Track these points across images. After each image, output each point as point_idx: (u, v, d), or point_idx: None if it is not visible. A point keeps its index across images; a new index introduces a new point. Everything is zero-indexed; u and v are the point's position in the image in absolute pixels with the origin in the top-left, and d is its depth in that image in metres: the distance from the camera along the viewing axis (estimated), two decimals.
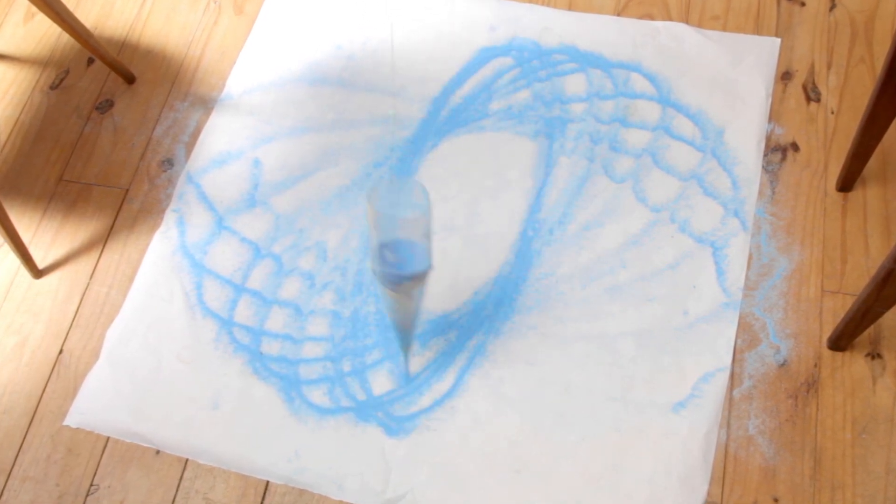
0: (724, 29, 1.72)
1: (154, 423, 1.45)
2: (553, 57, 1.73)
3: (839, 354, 1.40)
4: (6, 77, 1.86)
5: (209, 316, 1.54)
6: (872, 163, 1.52)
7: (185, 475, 1.41)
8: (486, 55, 1.75)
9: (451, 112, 1.70)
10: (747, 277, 1.47)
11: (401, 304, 1.26)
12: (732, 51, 1.68)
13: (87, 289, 1.61)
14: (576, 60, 1.72)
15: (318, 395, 1.45)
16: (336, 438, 1.41)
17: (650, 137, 1.62)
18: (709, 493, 1.31)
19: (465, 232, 1.57)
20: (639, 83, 1.68)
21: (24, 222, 1.69)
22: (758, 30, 1.71)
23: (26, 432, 1.48)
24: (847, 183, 1.51)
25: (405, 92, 1.73)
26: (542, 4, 1.80)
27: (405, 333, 1.36)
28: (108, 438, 1.46)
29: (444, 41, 1.78)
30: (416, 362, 1.46)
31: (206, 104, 1.78)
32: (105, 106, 1.81)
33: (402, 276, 1.18)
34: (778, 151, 1.58)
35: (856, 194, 1.52)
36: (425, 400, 1.43)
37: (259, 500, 1.38)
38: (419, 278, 1.20)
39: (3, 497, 1.42)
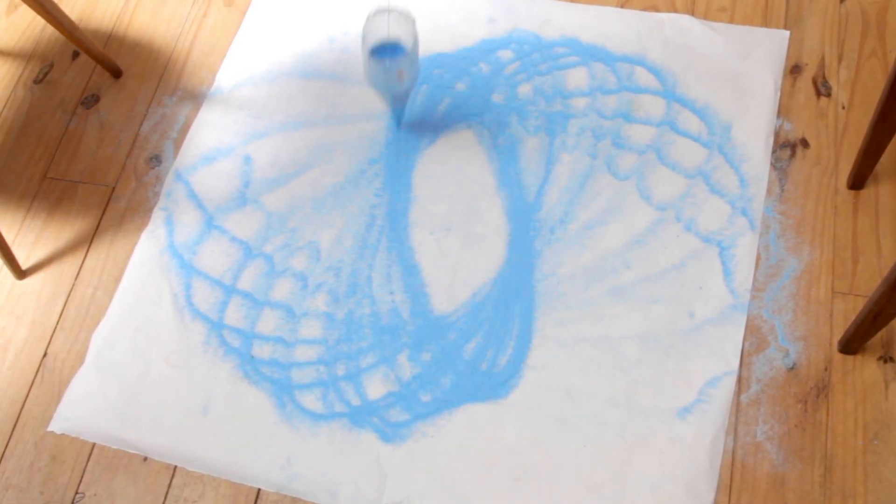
0: (732, 21, 1.72)
1: (141, 429, 1.45)
2: (554, 50, 1.73)
3: (850, 358, 1.39)
4: None
5: (198, 318, 1.54)
6: (885, 160, 1.52)
7: (173, 483, 1.41)
8: (485, 48, 1.75)
9: (448, 106, 1.70)
10: (755, 278, 1.47)
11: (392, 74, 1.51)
12: (740, 44, 1.68)
13: (72, 290, 1.60)
14: (578, 53, 1.72)
15: (311, 400, 1.45)
16: (329, 445, 1.41)
17: (655, 133, 1.62)
18: (715, 502, 1.31)
19: (462, 231, 1.57)
20: (643, 77, 1.68)
21: (7, 221, 1.68)
22: (766, 22, 1.71)
23: (9, 439, 1.47)
24: (858, 180, 1.51)
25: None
26: None
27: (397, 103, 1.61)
28: (93, 445, 1.46)
29: (441, 33, 1.78)
30: (412, 366, 1.46)
31: (196, 99, 1.78)
32: (91, 101, 1.81)
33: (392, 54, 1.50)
34: (787, 148, 1.58)
35: (867, 192, 1.52)
36: (422, 405, 1.42)
37: None
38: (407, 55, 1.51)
39: None
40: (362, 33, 1.54)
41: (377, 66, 1.54)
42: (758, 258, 1.48)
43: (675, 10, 1.75)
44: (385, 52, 1.53)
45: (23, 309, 1.59)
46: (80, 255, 1.64)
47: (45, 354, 1.54)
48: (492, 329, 1.47)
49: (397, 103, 1.63)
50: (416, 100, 1.71)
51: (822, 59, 1.66)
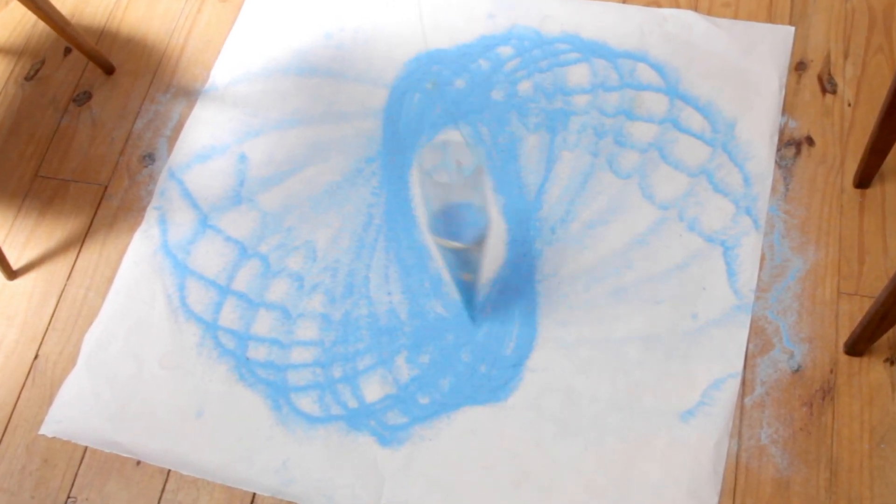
0: (736, 16, 1.72)
1: (134, 432, 1.45)
2: (555, 46, 1.73)
3: (856, 360, 1.39)
4: None
5: (192, 319, 1.54)
6: (891, 158, 1.52)
7: (167, 487, 1.41)
8: (484, 44, 1.75)
9: (447, 105, 1.69)
10: (760, 278, 1.47)
11: (461, 261, 1.27)
12: (744, 40, 1.68)
13: (63, 290, 1.60)
14: (579, 50, 1.72)
15: (307, 403, 1.45)
16: (326, 448, 1.40)
17: (657, 131, 1.61)
18: None
19: None
20: (645, 74, 1.67)
21: None
22: (771, 17, 1.71)
23: None
24: (865, 179, 1.51)
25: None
26: None
27: (469, 292, 1.38)
28: (86, 448, 1.46)
29: (440, 30, 1.78)
30: (410, 368, 1.45)
31: (190, 96, 1.78)
32: (83, 98, 1.81)
33: (460, 240, 1.21)
34: (792, 146, 1.58)
35: (874, 191, 1.52)
36: (420, 408, 1.42)
37: None
38: (479, 241, 1.22)
39: None
40: (420, 173, 1.19)
41: (451, 253, 1.25)
42: (762, 258, 1.48)
43: (678, 6, 1.75)
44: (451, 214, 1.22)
45: (14, 310, 1.59)
46: (71, 254, 1.64)
47: (36, 356, 1.54)
48: (491, 330, 1.47)
49: (471, 288, 1.39)
50: (414, 97, 1.71)
51: (828, 56, 1.66)
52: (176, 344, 1.52)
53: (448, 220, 1.20)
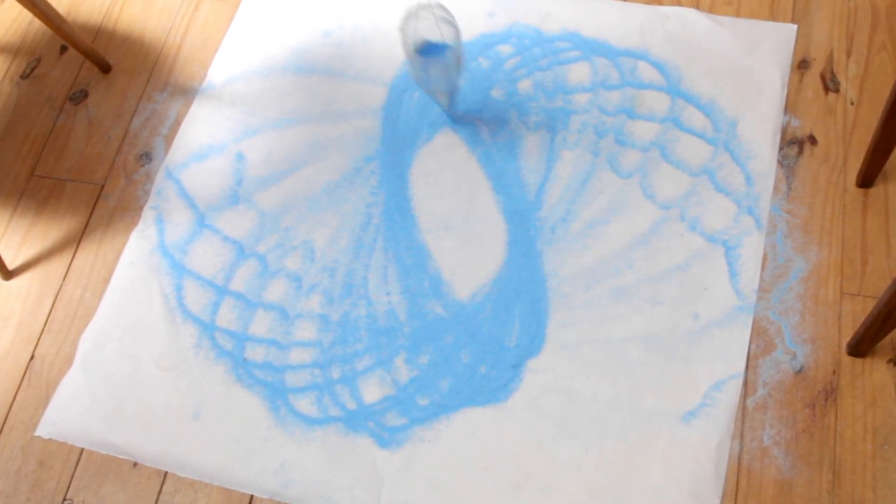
0: (738, 14, 1.72)
1: (131, 433, 1.45)
2: (555, 44, 1.73)
3: (859, 361, 1.39)
4: None
5: (189, 320, 1.54)
6: (895, 157, 1.52)
7: (164, 489, 1.41)
8: (484, 42, 1.75)
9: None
10: (762, 279, 1.47)
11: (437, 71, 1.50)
12: (746, 38, 1.68)
13: (59, 291, 1.60)
14: (579, 48, 1.72)
15: (305, 404, 1.45)
16: (325, 450, 1.40)
17: (658, 130, 1.61)
18: None
19: (461, 230, 1.57)
20: (646, 72, 1.67)
21: None
22: (773, 15, 1.71)
23: None
24: (868, 178, 1.51)
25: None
26: None
27: (446, 97, 1.58)
28: (82, 450, 1.46)
29: None
30: (409, 369, 1.45)
31: (187, 94, 1.78)
32: (79, 97, 1.81)
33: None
34: (794, 145, 1.58)
35: (877, 190, 1.52)
36: (419, 409, 1.42)
37: None
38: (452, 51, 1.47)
39: None
40: (401, 34, 1.50)
41: (427, 65, 1.52)
42: (764, 258, 1.48)
43: (680, 4, 1.75)
44: (430, 50, 1.51)
45: (9, 310, 1.59)
46: (68, 255, 1.64)
47: (32, 357, 1.54)
48: (491, 331, 1.47)
49: (450, 97, 1.61)
50: (414, 96, 1.71)
51: (831, 54, 1.66)
52: (173, 345, 1.52)
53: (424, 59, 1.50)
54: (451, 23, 1.49)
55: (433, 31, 1.49)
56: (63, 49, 1.87)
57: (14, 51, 1.87)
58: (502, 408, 1.41)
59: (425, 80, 1.55)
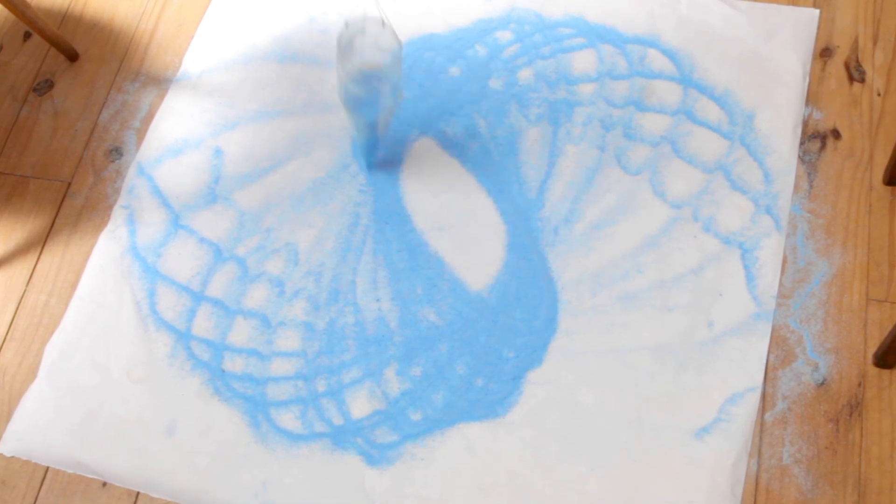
0: None
1: (100, 450, 1.45)
2: (558, 30, 1.73)
3: (886, 372, 1.39)
4: None
5: (163, 328, 1.54)
6: None
7: None
8: (481, 28, 1.75)
9: (440, 93, 1.70)
10: (781, 284, 1.47)
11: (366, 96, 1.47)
12: (764, 24, 1.68)
13: (23, 297, 1.60)
14: (584, 34, 1.72)
15: (288, 419, 1.45)
16: (309, 468, 1.40)
17: (670, 123, 1.61)
18: None
19: (456, 231, 1.57)
20: (657, 61, 1.67)
21: None
22: (794, 0, 1.71)
23: None
24: (895, 175, 1.50)
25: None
26: None
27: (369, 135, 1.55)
28: (47, 468, 1.45)
29: (433, 12, 1.78)
30: (401, 382, 1.45)
31: (160, 85, 1.78)
32: (44, 87, 1.81)
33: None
34: (816, 139, 1.58)
35: None
36: (411, 425, 1.42)
37: None
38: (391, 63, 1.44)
39: None
40: (338, 46, 1.46)
41: (358, 86, 1.47)
42: (784, 262, 1.48)
43: None
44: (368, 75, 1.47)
45: None
46: (31, 257, 1.63)
47: None
48: (489, 340, 1.46)
49: (372, 130, 1.55)
50: (405, 87, 1.70)
51: (856, 41, 1.66)
52: (145, 355, 1.52)
53: (361, 86, 1.47)
54: (394, 48, 1.44)
55: (373, 53, 1.44)
56: (27, 35, 1.87)
57: None
58: (501, 423, 1.41)
59: (358, 102, 1.49)
